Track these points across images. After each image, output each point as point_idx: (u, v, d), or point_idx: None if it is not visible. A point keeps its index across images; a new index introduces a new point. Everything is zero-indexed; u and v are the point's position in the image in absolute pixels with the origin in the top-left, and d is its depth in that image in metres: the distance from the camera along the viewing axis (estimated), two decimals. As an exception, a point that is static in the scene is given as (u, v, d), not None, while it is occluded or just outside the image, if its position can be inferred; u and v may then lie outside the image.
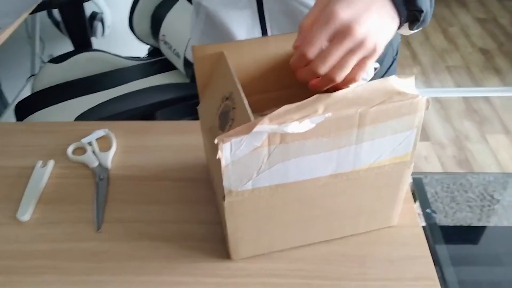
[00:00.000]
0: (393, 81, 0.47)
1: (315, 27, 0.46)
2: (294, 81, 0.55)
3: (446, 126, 2.03)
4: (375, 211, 0.57)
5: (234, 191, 0.49)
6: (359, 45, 0.45)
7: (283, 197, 0.51)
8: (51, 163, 0.71)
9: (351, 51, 0.46)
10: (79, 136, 0.75)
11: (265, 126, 0.44)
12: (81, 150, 0.73)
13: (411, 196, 0.63)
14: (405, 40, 2.65)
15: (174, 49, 1.31)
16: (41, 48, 1.79)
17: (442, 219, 1.54)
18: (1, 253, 0.59)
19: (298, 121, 0.44)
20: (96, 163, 0.71)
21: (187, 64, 1.26)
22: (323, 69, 0.47)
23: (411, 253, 0.58)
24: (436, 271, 1.22)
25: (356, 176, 0.51)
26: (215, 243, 0.59)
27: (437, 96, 2.22)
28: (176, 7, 1.34)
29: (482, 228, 1.50)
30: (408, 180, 0.55)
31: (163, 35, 1.35)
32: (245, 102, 0.48)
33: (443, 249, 1.26)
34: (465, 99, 2.19)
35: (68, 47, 1.58)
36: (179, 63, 1.31)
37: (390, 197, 0.56)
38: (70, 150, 0.73)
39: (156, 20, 1.38)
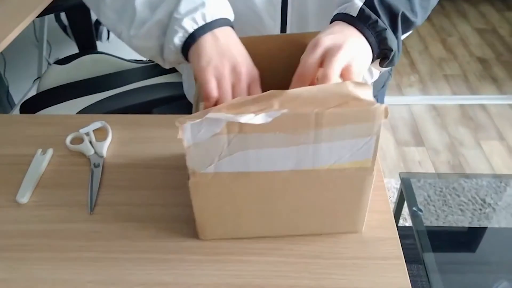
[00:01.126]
0: (350, 86, 0.49)
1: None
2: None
3: (441, 133, 2.06)
4: (338, 214, 0.59)
5: (197, 172, 0.53)
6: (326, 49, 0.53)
7: (244, 185, 0.55)
8: (50, 151, 0.76)
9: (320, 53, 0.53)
10: (77, 127, 0.80)
11: (221, 113, 0.48)
12: (79, 139, 0.78)
13: (384, 184, 0.67)
14: (404, 48, 2.69)
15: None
16: (48, 52, 1.85)
17: (434, 222, 1.57)
18: (2, 232, 0.64)
19: (254, 113, 0.48)
20: (92, 152, 0.75)
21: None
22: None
23: (381, 235, 0.61)
24: (421, 269, 1.24)
25: (317, 175, 0.54)
26: (200, 224, 0.63)
27: (432, 103, 2.26)
28: None
29: (472, 230, 1.52)
30: (371, 188, 0.57)
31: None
32: None
33: (430, 257, 1.29)
34: (461, 106, 2.23)
35: (74, 50, 1.64)
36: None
37: (352, 202, 0.58)
38: (68, 139, 0.77)
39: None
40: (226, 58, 0.55)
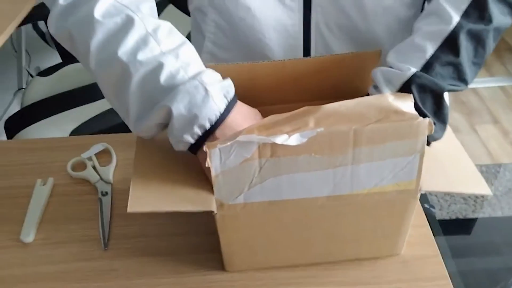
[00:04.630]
0: (390, 98, 0.45)
1: None
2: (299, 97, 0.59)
3: (436, 120, 2.04)
4: (377, 239, 0.56)
5: (225, 204, 0.48)
6: None
7: (277, 215, 0.51)
8: (50, 181, 0.70)
9: None
10: (77, 151, 0.74)
11: (253, 136, 0.43)
12: (81, 165, 0.72)
13: (418, 196, 0.64)
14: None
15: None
16: (27, 61, 1.76)
17: (438, 213, 1.56)
18: (7, 278, 0.58)
19: (287, 134, 0.44)
20: (97, 178, 0.70)
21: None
22: None
23: (421, 252, 0.58)
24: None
25: (355, 201, 0.50)
26: (225, 254, 0.59)
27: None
28: (163, 15, 1.33)
29: (477, 219, 1.51)
30: (414, 210, 0.52)
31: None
32: None
33: (442, 242, 1.28)
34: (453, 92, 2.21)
35: (56, 59, 1.56)
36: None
37: (393, 227, 0.54)
38: (69, 166, 0.72)
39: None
40: None
